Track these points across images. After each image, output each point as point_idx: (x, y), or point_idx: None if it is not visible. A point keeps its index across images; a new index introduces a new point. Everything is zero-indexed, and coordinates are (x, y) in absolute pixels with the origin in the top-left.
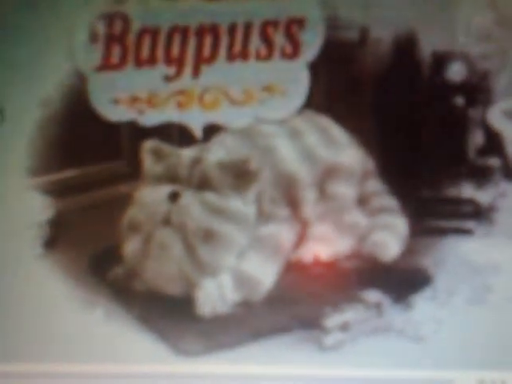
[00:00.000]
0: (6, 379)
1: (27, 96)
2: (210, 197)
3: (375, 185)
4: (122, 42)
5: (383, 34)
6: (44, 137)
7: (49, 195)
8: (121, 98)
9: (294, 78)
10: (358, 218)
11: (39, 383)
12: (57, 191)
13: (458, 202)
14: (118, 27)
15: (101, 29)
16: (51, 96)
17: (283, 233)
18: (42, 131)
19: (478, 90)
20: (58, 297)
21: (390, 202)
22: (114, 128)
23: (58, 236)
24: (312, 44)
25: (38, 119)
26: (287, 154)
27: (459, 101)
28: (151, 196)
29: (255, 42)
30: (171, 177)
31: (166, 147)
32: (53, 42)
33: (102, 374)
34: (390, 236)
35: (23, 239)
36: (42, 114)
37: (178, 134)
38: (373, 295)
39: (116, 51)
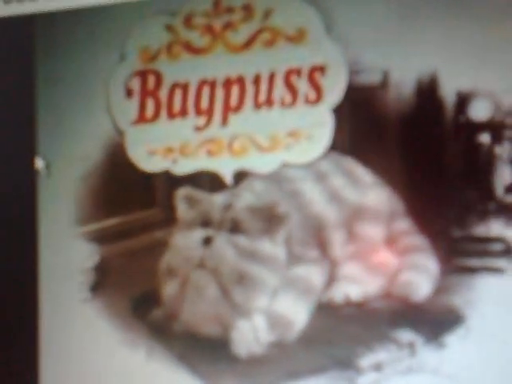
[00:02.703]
0: None
1: (70, 151)
2: (241, 240)
3: (403, 224)
4: (155, 97)
5: (405, 76)
6: (87, 188)
7: (93, 243)
8: (156, 149)
9: (319, 123)
10: (387, 257)
11: None
12: (100, 239)
13: (488, 240)
14: (151, 83)
15: (135, 85)
16: (92, 150)
17: (313, 273)
18: (84, 183)
19: (504, 127)
20: (103, 339)
21: (419, 241)
22: (149, 178)
23: (103, 281)
24: (334, 89)
25: (81, 172)
26: (314, 197)
27: (485, 138)
28: (185, 241)
29: (279, 89)
30: (204, 222)
31: (198, 194)
32: (92, 100)
33: None
34: (420, 275)
35: (71, 284)
36: (83, 168)
37: (209, 181)
38: (405, 335)
39: (150, 105)
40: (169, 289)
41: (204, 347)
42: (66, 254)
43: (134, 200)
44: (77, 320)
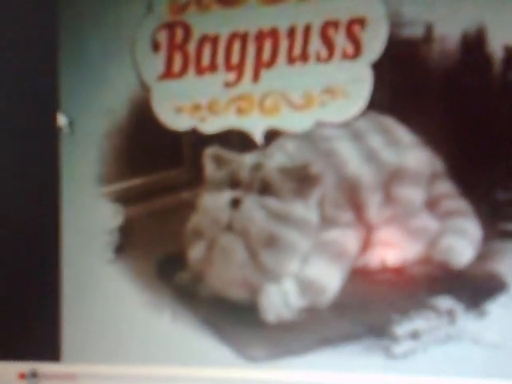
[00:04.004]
0: (75, 380)
1: (94, 107)
2: (271, 202)
3: (444, 187)
4: (183, 51)
5: (450, 30)
6: (111, 146)
7: (118, 203)
8: (183, 106)
9: (357, 79)
10: (426, 221)
11: None
12: (125, 199)
13: None
14: (179, 36)
15: (163, 38)
16: (116, 106)
17: (347, 238)
18: (108, 141)
19: None
20: (127, 300)
21: (461, 204)
22: (176, 136)
23: (127, 242)
24: (374, 43)
25: (105, 130)
26: (350, 158)
27: None
28: (213, 202)
29: (315, 43)
30: (232, 183)
31: (227, 153)
32: (117, 54)
33: (167, 376)
34: (461, 240)
35: (95, 245)
36: (108, 125)
37: (238, 140)
38: (444, 302)
39: (177, 60)
40: (195, 251)
41: (231, 312)
42: (90, 214)
43: (159, 159)
44: (100, 282)
